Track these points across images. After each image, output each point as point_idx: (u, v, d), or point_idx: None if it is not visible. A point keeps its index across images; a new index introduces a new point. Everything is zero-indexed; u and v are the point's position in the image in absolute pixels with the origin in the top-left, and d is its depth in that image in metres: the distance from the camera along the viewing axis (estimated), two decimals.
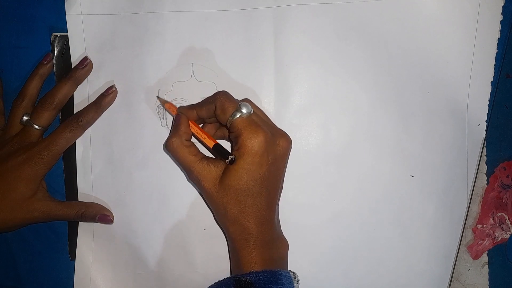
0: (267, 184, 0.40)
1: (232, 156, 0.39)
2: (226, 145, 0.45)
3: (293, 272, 0.41)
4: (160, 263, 0.48)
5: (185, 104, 0.47)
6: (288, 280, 0.40)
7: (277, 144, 0.40)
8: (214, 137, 0.45)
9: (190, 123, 0.43)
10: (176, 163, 0.47)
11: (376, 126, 0.46)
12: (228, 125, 0.40)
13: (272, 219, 0.42)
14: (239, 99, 0.46)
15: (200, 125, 0.45)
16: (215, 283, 0.41)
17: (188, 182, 0.47)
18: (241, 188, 0.39)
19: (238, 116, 0.39)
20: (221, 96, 0.41)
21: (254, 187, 0.40)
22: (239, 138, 0.39)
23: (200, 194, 0.47)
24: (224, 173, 0.40)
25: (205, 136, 0.42)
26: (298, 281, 0.41)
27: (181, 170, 0.47)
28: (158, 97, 0.46)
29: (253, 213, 0.40)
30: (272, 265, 0.41)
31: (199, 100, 0.47)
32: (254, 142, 0.39)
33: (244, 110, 0.40)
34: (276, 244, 0.42)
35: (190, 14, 0.46)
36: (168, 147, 0.42)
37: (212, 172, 0.41)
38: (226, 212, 0.41)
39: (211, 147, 0.42)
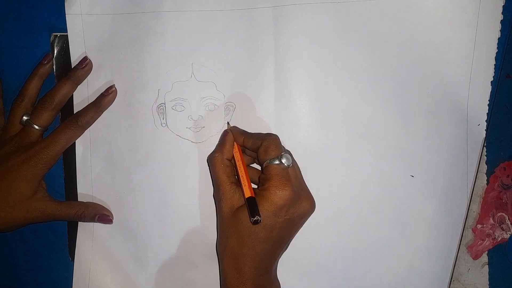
0: (276, 235, 0.40)
1: (259, 219, 0.38)
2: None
3: None
4: (160, 263, 0.48)
5: (185, 104, 0.47)
6: None
7: (300, 204, 0.40)
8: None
9: (238, 152, 0.44)
10: (211, 177, 0.46)
11: (376, 126, 0.46)
12: (264, 167, 0.41)
13: (269, 266, 0.42)
14: (238, 100, 0.46)
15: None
16: None
17: (187, 181, 0.47)
18: (248, 228, 0.40)
19: (276, 162, 0.40)
20: (271, 138, 0.42)
21: (260, 233, 0.40)
22: (267, 182, 0.40)
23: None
24: (242, 206, 0.41)
25: (246, 180, 0.41)
26: None
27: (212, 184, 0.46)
28: (228, 123, 0.47)
29: (251, 256, 0.40)
30: None
31: (199, 101, 0.47)
32: (278, 193, 0.39)
33: (284, 161, 0.40)
34: None
35: (190, 14, 0.46)
36: (210, 160, 0.44)
37: (234, 199, 0.41)
38: (227, 242, 0.41)
39: (246, 197, 0.40)
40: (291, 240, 0.44)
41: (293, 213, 0.40)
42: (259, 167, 0.45)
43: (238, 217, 0.40)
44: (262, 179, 0.41)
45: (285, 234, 0.41)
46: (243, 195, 0.41)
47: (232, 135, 0.44)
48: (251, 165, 0.46)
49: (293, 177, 0.41)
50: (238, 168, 0.43)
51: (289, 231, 0.41)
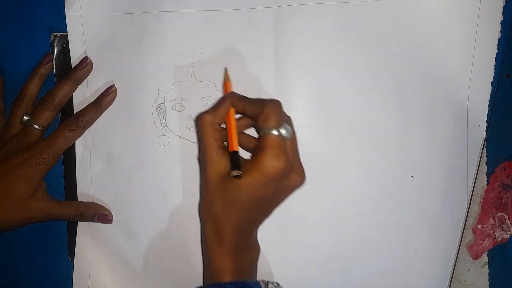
0: (261, 204, 0.40)
1: (239, 173, 0.38)
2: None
3: (265, 281, 0.40)
4: (159, 263, 0.48)
5: (185, 104, 0.47)
6: None
7: (290, 177, 0.40)
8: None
9: (231, 113, 0.42)
10: (197, 138, 0.45)
11: (376, 126, 0.46)
12: (261, 135, 0.39)
13: (251, 231, 0.42)
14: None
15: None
16: None
17: (186, 181, 0.47)
18: (235, 196, 0.39)
19: (274, 133, 0.38)
20: (273, 106, 0.39)
21: (247, 201, 0.39)
22: (262, 152, 0.38)
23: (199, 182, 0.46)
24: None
25: (233, 136, 0.41)
26: None
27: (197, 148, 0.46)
28: (226, 68, 0.45)
29: (234, 221, 0.40)
30: (242, 273, 0.40)
31: (199, 101, 0.47)
32: (270, 165, 0.38)
33: (283, 132, 0.39)
34: (248, 252, 0.42)
35: (190, 14, 0.46)
36: (198, 120, 0.41)
37: (221, 164, 0.40)
38: (211, 207, 0.41)
39: (230, 151, 0.40)
40: (276, 209, 0.43)
41: (283, 185, 0.40)
42: (254, 134, 0.44)
43: (225, 184, 0.39)
44: (257, 148, 0.39)
45: (272, 204, 0.41)
46: (228, 148, 0.40)
47: (231, 101, 0.42)
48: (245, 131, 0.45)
49: (289, 149, 0.40)
50: (228, 127, 0.41)
51: (276, 201, 0.41)
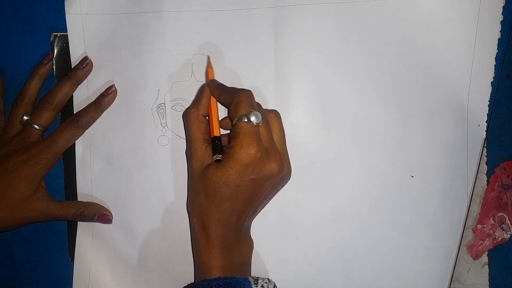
0: (242, 194, 0.40)
1: (219, 157, 0.40)
2: None
3: (254, 277, 0.40)
4: (159, 263, 0.48)
5: (185, 104, 0.47)
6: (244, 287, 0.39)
7: (265, 165, 0.39)
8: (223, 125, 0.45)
9: (212, 100, 0.43)
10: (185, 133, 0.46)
11: (376, 126, 0.46)
12: (233, 124, 0.40)
13: (239, 225, 0.41)
14: None
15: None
16: None
17: (186, 181, 0.47)
18: (214, 185, 0.39)
19: (244, 120, 0.39)
20: (243, 95, 0.40)
21: (224, 190, 0.39)
22: (234, 140, 0.39)
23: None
24: (212, 164, 0.41)
25: (215, 123, 0.42)
26: (262, 285, 0.40)
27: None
28: (208, 56, 0.46)
29: (218, 214, 0.40)
30: (231, 269, 0.40)
31: None
32: (243, 152, 0.38)
33: (252, 118, 0.39)
34: (238, 248, 0.42)
35: (190, 14, 0.46)
36: (185, 115, 0.43)
37: (205, 156, 0.41)
38: (195, 200, 0.41)
39: (211, 136, 0.42)
40: (263, 202, 0.43)
41: (259, 173, 0.39)
42: None
43: (207, 174, 0.40)
44: (230, 137, 0.41)
45: (252, 194, 0.40)
46: (209, 134, 0.41)
47: (209, 89, 0.43)
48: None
49: (264, 136, 0.40)
50: (209, 114, 0.43)
51: (255, 191, 0.40)
